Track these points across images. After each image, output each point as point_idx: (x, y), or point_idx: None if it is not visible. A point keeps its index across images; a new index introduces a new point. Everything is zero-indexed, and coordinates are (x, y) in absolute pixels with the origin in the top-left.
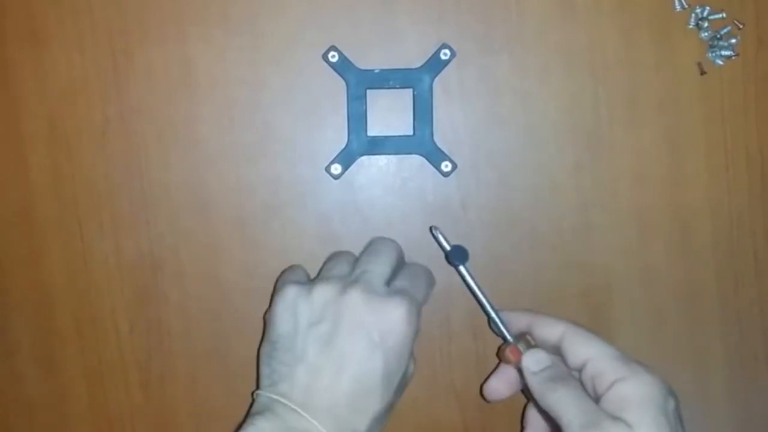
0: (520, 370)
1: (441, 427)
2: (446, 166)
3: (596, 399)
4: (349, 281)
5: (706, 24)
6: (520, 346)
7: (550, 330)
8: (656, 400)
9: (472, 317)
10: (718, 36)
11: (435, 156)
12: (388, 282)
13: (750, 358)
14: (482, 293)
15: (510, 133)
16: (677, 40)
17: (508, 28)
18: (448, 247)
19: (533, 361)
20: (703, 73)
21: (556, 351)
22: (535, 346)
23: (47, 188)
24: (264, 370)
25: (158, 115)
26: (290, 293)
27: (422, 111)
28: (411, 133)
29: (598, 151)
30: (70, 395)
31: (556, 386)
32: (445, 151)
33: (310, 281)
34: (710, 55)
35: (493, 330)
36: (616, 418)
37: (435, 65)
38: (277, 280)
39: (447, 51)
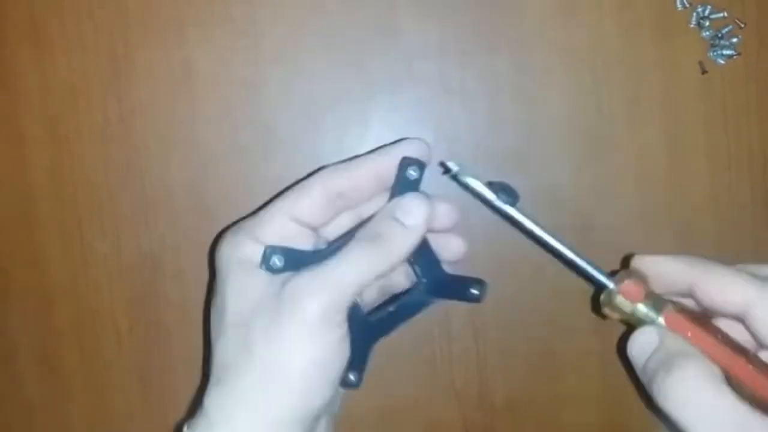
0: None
1: (441, 427)
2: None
3: None
4: None
5: (707, 23)
6: (633, 281)
7: (731, 294)
8: None
9: (472, 317)
10: (720, 35)
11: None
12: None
13: None
14: (553, 236)
15: (511, 131)
16: (678, 39)
17: (509, 27)
18: (489, 194)
19: (637, 347)
20: (704, 72)
21: (737, 319)
22: (647, 286)
23: (47, 189)
24: None
25: (159, 116)
26: None
27: None
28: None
29: (600, 151)
30: (69, 395)
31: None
32: (445, 151)
33: None
34: (711, 54)
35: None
36: None
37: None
38: None
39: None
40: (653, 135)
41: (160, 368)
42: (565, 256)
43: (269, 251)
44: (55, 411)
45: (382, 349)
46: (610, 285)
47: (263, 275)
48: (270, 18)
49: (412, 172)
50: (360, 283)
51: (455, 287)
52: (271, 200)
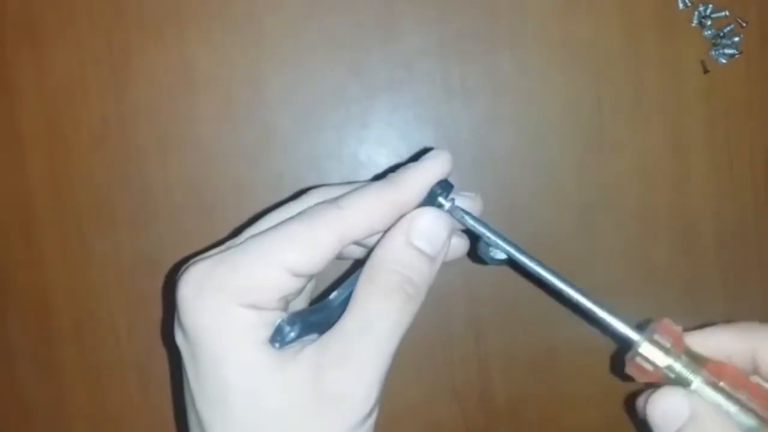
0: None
1: (442, 428)
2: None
3: None
4: None
5: (709, 22)
6: (670, 323)
7: None
8: None
9: (473, 318)
10: (721, 34)
11: None
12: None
13: None
14: (571, 286)
15: (512, 131)
16: (680, 38)
17: (510, 26)
18: (491, 238)
19: (659, 414)
20: (706, 71)
21: None
22: (674, 349)
23: (46, 189)
24: None
25: (158, 116)
26: None
27: None
28: None
29: (601, 150)
30: (69, 396)
31: None
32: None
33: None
34: (713, 53)
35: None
36: None
37: None
38: None
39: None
40: (654, 134)
41: (159, 369)
42: (580, 303)
43: (288, 328)
44: (55, 412)
45: None
46: (636, 338)
47: (276, 355)
48: (270, 17)
49: (443, 201)
50: (398, 343)
51: None
52: (270, 201)
